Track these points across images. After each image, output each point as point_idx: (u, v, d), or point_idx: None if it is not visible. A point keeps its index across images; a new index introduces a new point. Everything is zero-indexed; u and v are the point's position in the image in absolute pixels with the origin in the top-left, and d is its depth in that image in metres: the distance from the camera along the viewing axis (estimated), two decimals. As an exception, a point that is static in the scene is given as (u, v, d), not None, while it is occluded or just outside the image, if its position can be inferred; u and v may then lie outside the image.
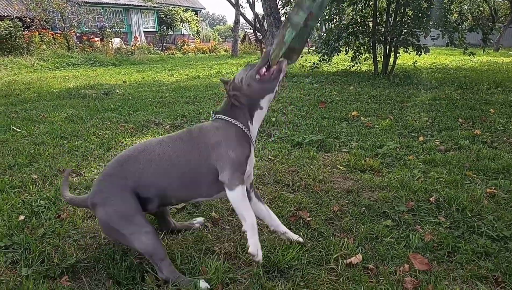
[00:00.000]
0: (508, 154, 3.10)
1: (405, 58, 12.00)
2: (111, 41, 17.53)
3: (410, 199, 2.33)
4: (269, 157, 3.18)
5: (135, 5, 23.73)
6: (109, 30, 18.56)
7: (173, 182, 1.69)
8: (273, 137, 3.80)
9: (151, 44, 22.78)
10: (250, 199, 1.80)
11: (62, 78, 9.43)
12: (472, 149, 3.27)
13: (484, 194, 2.35)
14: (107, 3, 22.68)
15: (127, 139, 3.72)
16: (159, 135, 3.86)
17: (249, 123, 1.74)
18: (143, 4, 21.86)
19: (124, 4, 23.82)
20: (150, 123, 4.38)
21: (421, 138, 3.62)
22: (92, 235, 2.01)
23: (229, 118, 1.72)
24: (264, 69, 1.67)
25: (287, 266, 1.70)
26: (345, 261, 1.72)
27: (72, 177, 2.77)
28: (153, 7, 22.95)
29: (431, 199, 2.29)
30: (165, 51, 22.63)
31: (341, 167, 2.92)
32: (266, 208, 1.88)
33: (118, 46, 18.13)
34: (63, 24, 17.00)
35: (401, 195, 2.37)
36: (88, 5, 19.28)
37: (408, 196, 2.36)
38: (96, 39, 17.99)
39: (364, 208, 2.23)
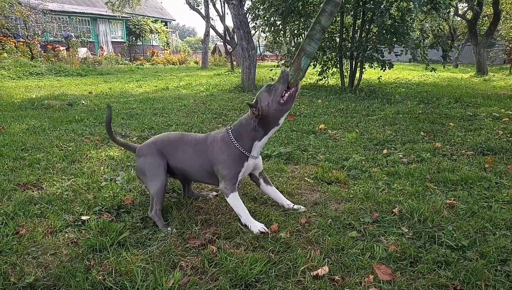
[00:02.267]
0: (466, 166, 3.25)
1: (371, 73, 12.42)
2: (77, 51, 17.09)
3: (375, 210, 2.39)
4: (238, 169, 3.18)
5: (103, 15, 23.35)
6: (75, 39, 18.09)
7: (190, 170, 2.32)
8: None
9: (119, 55, 22.41)
10: (259, 184, 2.44)
11: (24, 88, 9.08)
12: (433, 161, 3.40)
13: (444, 205, 2.45)
14: (74, 12, 22.20)
15: (92, 152, 3.62)
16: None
17: (256, 141, 2.20)
18: (111, 14, 21.54)
19: (91, 14, 23.39)
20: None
21: (385, 151, 3.73)
22: (53, 251, 1.93)
23: (234, 141, 2.19)
24: (285, 92, 2.09)
25: (254, 280, 1.70)
26: (312, 273, 1.74)
27: (33, 191, 2.66)
28: (121, 17, 22.64)
29: (394, 210, 2.36)
30: (134, 61, 22.33)
31: (308, 179, 2.96)
32: (273, 190, 2.45)
33: (85, 56, 17.71)
34: (26, 32, 16.44)
35: (366, 206, 2.44)
36: (53, 13, 18.76)
37: (372, 208, 2.42)
38: (61, 48, 17.50)
39: (330, 220, 2.27)
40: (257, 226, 2.12)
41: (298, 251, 1.91)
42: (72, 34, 19.51)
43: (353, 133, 4.43)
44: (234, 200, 2.19)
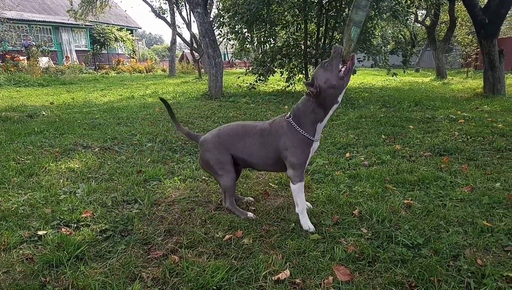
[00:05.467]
0: (424, 166, 3.38)
1: (336, 79, 12.69)
2: (38, 60, 16.52)
3: (336, 213, 2.44)
4: (203, 177, 3.17)
5: (65, 24, 22.74)
6: (35, 48, 17.48)
7: (256, 160, 2.34)
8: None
9: (83, 64, 21.84)
10: None
11: (-20, 100, 8.67)
12: (393, 163, 3.52)
13: (402, 205, 2.54)
14: (34, 21, 21.48)
15: (51, 164, 3.50)
16: (87, 159, 3.69)
17: (318, 123, 2.15)
18: (74, 23, 21.01)
19: (53, 22, 22.72)
20: (78, 146, 4.17)
21: (347, 154, 3.83)
22: (5, 269, 1.85)
23: (297, 127, 2.15)
24: (341, 66, 2.02)
25: (216, 288, 1.69)
26: (273, 277, 1.76)
27: (-14, 208, 2.55)
28: (85, 25, 22.12)
29: (354, 212, 2.42)
30: (99, 70, 21.82)
31: (273, 185, 2.99)
32: None
33: (47, 65, 17.15)
34: (-18, 42, 15.75)
35: (328, 209, 2.49)
36: (11, 22, 18.06)
37: (334, 210, 2.47)
38: (21, 58, 16.87)
39: (293, 224, 2.30)
40: (307, 223, 2.21)
41: (260, 257, 1.92)
42: (33, 43, 18.84)
43: (318, 137, 4.51)
44: (300, 189, 2.22)
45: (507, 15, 18.80)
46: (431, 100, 7.73)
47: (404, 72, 10.21)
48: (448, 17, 15.29)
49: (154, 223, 2.36)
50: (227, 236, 2.15)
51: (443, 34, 17.79)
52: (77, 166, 3.49)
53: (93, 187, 2.93)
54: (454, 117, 5.64)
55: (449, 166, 3.38)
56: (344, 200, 2.61)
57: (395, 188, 2.89)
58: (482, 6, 8.45)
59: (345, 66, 2.03)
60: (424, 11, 18.59)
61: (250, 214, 2.41)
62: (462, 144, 4.09)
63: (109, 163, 3.60)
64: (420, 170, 3.24)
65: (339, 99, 2.12)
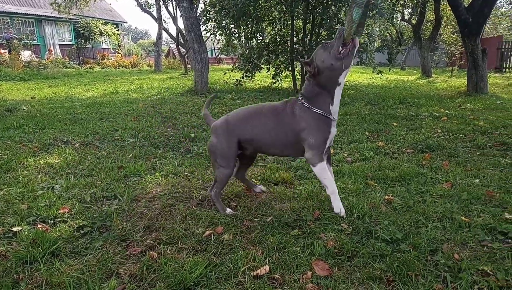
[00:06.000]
0: (406, 163, 3.41)
1: (323, 76, 12.74)
2: (20, 54, 16.15)
3: (317, 208, 2.44)
4: (185, 173, 3.14)
5: (49, 17, 22.27)
6: (17, 42, 17.09)
7: (269, 142, 2.25)
8: (191, 153, 3.76)
9: (67, 58, 21.45)
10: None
11: (-42, 93, 8.45)
12: (375, 159, 3.54)
13: (383, 201, 2.55)
14: (16, 13, 20.99)
15: (30, 159, 3.42)
16: (67, 154, 3.62)
17: (330, 105, 2.11)
18: (58, 16, 20.59)
19: (35, 15, 22.24)
20: (57, 142, 4.08)
21: (331, 151, 3.84)
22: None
23: (312, 107, 2.11)
24: (341, 48, 2.00)
25: (193, 283, 1.68)
26: (252, 273, 1.75)
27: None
28: (69, 19, 21.70)
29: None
30: (83, 65, 21.46)
31: (256, 181, 2.97)
32: (330, 170, 2.39)
33: (29, 59, 16.78)
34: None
35: (309, 205, 2.48)
36: (-8, 14, 17.64)
37: (315, 206, 2.47)
38: (2, 51, 16.48)
39: (274, 219, 2.29)
40: (339, 206, 2.21)
41: (240, 252, 1.91)
42: (15, 36, 18.41)
43: (302, 134, 4.51)
44: (322, 170, 2.16)
45: (492, 15, 19.15)
46: (416, 98, 7.81)
47: (389, 70, 10.31)
48: (434, 16, 15.47)
49: (134, 219, 2.33)
50: (207, 232, 2.13)
51: (428, 32, 18.02)
52: (56, 162, 3.41)
53: (72, 182, 2.88)
54: (437, 114, 5.71)
55: (431, 162, 3.42)
56: (326, 196, 2.60)
57: (376, 184, 2.90)
58: (466, 6, 8.57)
59: (345, 48, 2.02)
60: (410, 10, 18.77)
61: (228, 210, 2.39)
62: (444, 141, 4.14)
63: (89, 158, 3.54)
64: (402, 167, 3.27)
65: (340, 80, 2.11)
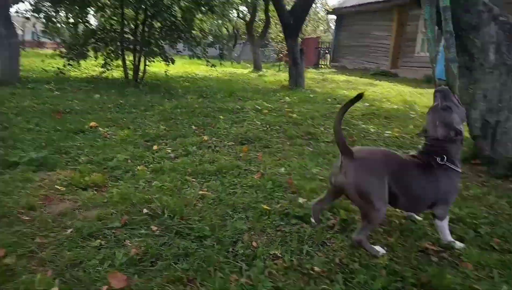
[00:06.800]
0: (225, 156, 3.55)
1: (160, 66, 12.43)
2: None
3: (128, 212, 2.31)
4: (-32, 184, 2.59)
5: None
6: None
7: (411, 198, 2.08)
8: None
9: None
10: None
11: None
12: (197, 154, 3.59)
13: (196, 197, 2.59)
14: None
15: None
16: None
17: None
18: None
19: None
20: None
21: (155, 147, 3.74)
22: None
23: (455, 168, 2.07)
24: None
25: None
26: (35, 300, 1.52)
27: None
28: None
29: (147, 209, 2.34)
30: None
31: (60, 187, 2.65)
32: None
33: None
34: None
35: (119, 209, 2.34)
36: None
37: (126, 210, 2.34)
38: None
39: (74, 231, 2.07)
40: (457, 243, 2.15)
41: (22, 278, 1.65)
42: None
43: (126, 130, 4.28)
44: (446, 225, 2.15)
45: (315, 19, 21.90)
46: (244, 91, 8.31)
47: (220, 64, 10.75)
48: (265, 16, 16.75)
49: None
50: (-18, 258, 1.78)
51: (260, 30, 19.47)
52: None
53: None
54: (259, 108, 6.17)
55: (247, 154, 3.65)
56: (140, 197, 2.50)
57: (194, 180, 2.94)
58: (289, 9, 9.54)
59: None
60: (245, 8, 19.93)
61: (380, 250, 2.02)
62: (262, 132, 4.48)
63: None
64: (220, 160, 3.39)
65: None
